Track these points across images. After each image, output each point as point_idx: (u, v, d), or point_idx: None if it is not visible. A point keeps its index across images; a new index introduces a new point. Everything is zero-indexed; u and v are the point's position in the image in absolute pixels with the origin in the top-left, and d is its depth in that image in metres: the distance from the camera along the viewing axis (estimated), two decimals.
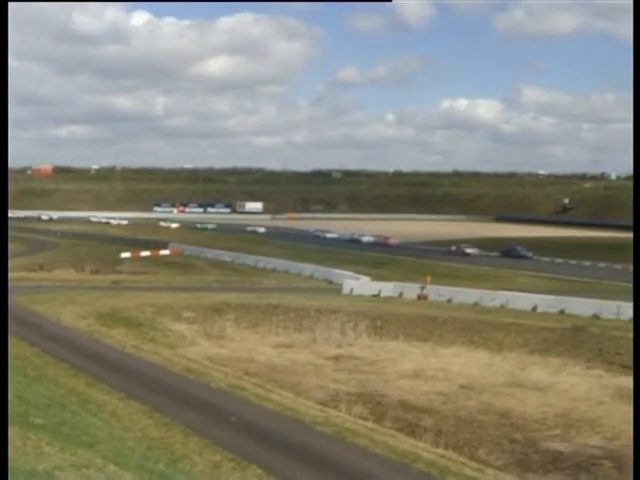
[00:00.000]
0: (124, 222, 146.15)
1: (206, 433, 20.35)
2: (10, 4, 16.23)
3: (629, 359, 32.35)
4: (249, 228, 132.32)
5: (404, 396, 26.19)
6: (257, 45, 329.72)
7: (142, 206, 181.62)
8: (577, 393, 27.19)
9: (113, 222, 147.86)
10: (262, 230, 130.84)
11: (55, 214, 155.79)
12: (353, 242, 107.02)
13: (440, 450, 20.09)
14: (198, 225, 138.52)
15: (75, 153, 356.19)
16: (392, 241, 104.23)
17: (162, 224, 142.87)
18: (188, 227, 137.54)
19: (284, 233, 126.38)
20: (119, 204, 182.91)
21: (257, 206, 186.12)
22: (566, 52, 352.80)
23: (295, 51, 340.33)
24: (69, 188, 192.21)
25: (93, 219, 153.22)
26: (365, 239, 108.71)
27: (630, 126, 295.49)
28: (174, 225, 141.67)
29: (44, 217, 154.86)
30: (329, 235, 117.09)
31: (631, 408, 25.02)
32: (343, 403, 24.61)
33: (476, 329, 39.60)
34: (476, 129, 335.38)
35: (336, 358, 32.38)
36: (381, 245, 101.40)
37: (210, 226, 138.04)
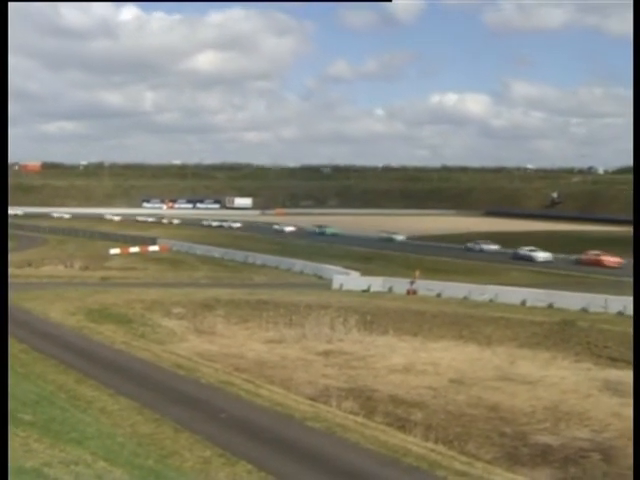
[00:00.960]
0: (150, 219, 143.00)
1: (196, 429, 20.35)
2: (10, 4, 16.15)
3: (617, 352, 32.60)
4: (276, 227, 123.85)
5: (394, 391, 26.25)
6: (247, 40, 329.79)
7: (131, 202, 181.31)
8: (566, 386, 27.30)
9: (139, 218, 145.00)
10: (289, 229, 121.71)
11: (65, 211, 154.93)
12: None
13: (430, 444, 20.13)
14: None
15: (63, 149, 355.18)
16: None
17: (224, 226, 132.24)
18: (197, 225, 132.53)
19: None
20: (108, 200, 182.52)
21: (246, 202, 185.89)
22: (555, 47, 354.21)
23: (285, 46, 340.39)
24: (57, 184, 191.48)
25: (108, 216, 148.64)
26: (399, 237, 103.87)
27: (618, 120, 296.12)
28: (236, 225, 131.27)
29: (55, 214, 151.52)
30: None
31: (619, 400, 25.26)
32: (333, 398, 24.62)
33: (465, 323, 39.70)
34: (465, 124, 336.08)
35: (326, 353, 32.41)
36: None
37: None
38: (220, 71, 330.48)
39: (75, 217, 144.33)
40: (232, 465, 17.72)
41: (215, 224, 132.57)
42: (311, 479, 17.40)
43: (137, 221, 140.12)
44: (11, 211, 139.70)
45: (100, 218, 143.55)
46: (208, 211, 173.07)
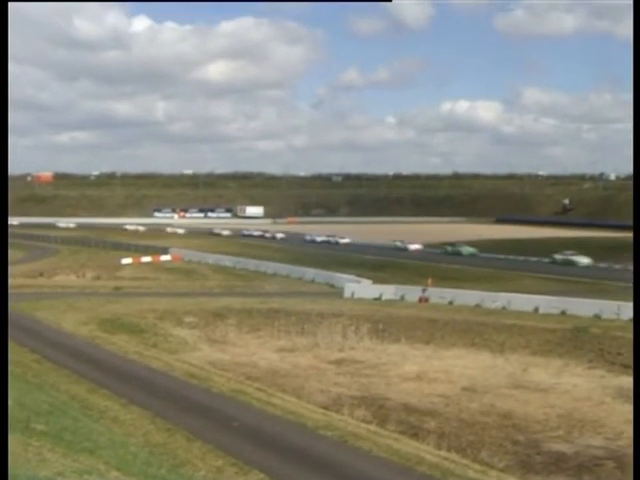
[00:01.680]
0: (180, 230, 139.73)
1: (208, 438, 20.36)
2: (10, 6, 16.18)
3: (630, 359, 32.40)
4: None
5: (407, 399, 26.21)
6: (258, 49, 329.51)
7: (142, 212, 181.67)
8: (579, 394, 27.21)
9: (169, 230, 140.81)
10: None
11: (79, 221, 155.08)
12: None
13: (443, 452, 20.09)
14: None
15: (75, 159, 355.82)
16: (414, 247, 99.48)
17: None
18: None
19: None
20: (119, 210, 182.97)
21: (258, 211, 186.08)
22: (566, 52, 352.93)
23: (296, 55, 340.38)
24: (69, 194, 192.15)
25: (129, 227, 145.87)
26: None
27: (629, 126, 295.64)
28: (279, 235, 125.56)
29: (61, 225, 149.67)
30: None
31: (632, 408, 25.10)
32: (346, 407, 24.61)
33: (478, 331, 39.59)
34: (476, 131, 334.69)
35: (338, 362, 32.40)
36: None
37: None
38: (231, 80, 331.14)
39: (93, 227, 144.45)
40: (245, 474, 17.72)
41: (256, 234, 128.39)
42: None
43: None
44: (15, 221, 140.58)
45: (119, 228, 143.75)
46: (219, 220, 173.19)
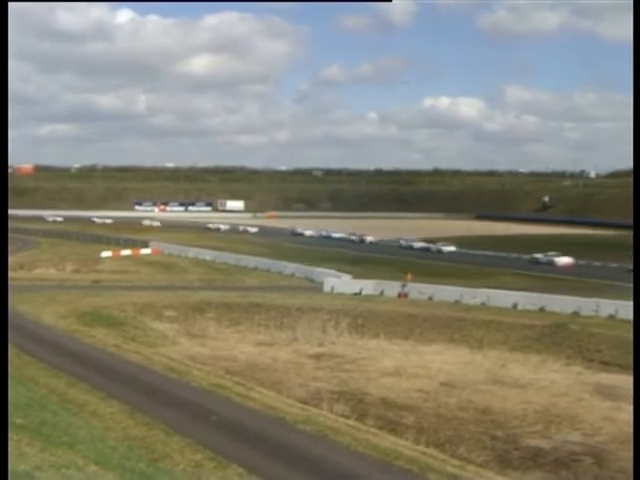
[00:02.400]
0: (156, 223, 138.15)
1: (187, 432, 20.33)
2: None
3: (609, 356, 32.67)
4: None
5: (385, 394, 26.26)
6: (241, 44, 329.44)
7: (123, 205, 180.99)
8: (557, 390, 27.34)
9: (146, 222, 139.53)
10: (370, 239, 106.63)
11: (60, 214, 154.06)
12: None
13: (421, 447, 20.16)
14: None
15: (56, 152, 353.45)
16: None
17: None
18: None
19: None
20: (100, 203, 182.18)
21: (238, 205, 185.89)
22: (549, 51, 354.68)
23: (280, 50, 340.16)
24: (50, 187, 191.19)
25: (147, 222, 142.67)
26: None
27: (611, 124, 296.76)
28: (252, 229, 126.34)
29: (50, 218, 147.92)
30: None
31: (611, 404, 25.35)
32: (325, 401, 24.64)
33: (457, 327, 39.73)
34: (459, 127, 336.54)
35: (317, 356, 32.42)
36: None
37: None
38: (214, 74, 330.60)
39: (68, 220, 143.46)
40: (223, 468, 17.71)
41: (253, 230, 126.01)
42: None
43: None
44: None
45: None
46: (200, 214, 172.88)
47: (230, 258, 76.73)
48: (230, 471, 17.57)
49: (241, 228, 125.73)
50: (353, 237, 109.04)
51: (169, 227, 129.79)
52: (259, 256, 76.81)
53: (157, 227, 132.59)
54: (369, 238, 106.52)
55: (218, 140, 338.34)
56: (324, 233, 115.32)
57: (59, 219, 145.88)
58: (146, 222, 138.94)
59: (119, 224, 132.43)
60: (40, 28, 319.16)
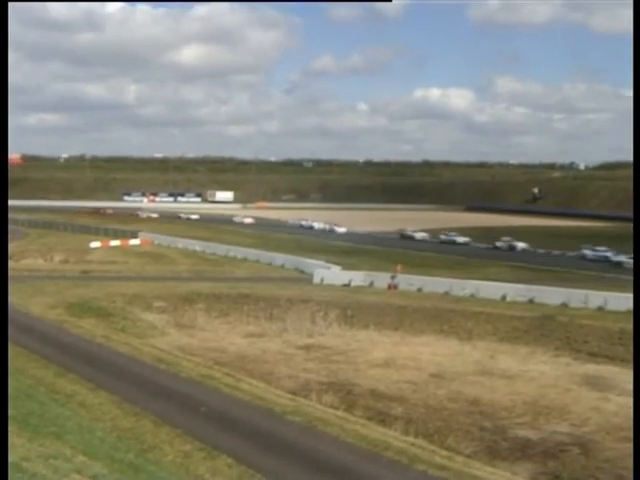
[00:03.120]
0: (155, 215, 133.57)
1: (176, 423, 20.34)
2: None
3: (596, 347, 32.80)
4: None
5: (375, 385, 26.30)
6: (232, 34, 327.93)
7: (111, 195, 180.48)
8: (545, 381, 27.44)
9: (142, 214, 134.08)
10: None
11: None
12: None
13: (410, 438, 20.20)
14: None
15: (44, 141, 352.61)
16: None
17: None
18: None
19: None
20: (88, 193, 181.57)
21: (227, 195, 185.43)
22: (540, 43, 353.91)
23: (271, 40, 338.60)
24: (38, 177, 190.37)
25: (144, 214, 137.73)
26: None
27: (600, 116, 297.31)
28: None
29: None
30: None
31: (598, 395, 25.48)
32: (314, 392, 24.66)
33: (446, 318, 39.79)
34: (449, 119, 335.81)
35: (307, 347, 32.43)
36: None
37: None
38: (204, 64, 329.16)
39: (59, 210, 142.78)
40: (212, 459, 17.72)
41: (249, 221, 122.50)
42: (291, 473, 17.41)
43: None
44: None
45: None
46: (189, 204, 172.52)
47: (219, 249, 76.62)
48: (219, 462, 17.58)
49: (237, 219, 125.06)
50: (327, 227, 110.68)
51: (166, 218, 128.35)
52: (248, 247, 76.75)
53: (155, 218, 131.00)
54: (340, 229, 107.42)
55: (207, 130, 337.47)
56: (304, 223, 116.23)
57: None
58: (143, 214, 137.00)
59: (117, 215, 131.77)
60: (29, 17, 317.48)
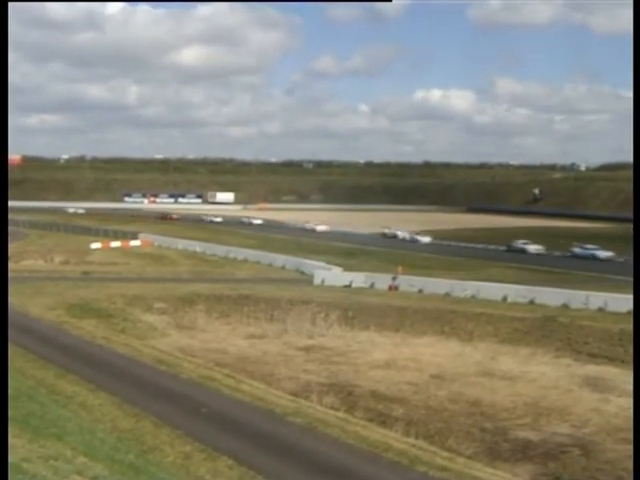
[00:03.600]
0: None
1: (177, 424, 20.32)
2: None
3: (597, 348, 32.78)
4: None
5: (375, 386, 26.28)
6: (233, 35, 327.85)
7: (112, 196, 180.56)
8: (546, 382, 27.41)
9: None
10: None
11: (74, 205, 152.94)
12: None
13: (411, 439, 20.18)
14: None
15: (44, 142, 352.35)
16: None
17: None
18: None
19: None
20: (89, 194, 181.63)
21: (228, 197, 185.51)
22: (541, 43, 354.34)
23: (272, 41, 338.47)
24: (38, 178, 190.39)
25: (71, 210, 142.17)
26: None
27: (601, 117, 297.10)
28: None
29: (70, 210, 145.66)
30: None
31: (599, 396, 25.46)
32: (314, 394, 24.63)
33: (447, 319, 39.77)
34: (449, 120, 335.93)
35: (307, 349, 32.41)
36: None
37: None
38: (206, 65, 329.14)
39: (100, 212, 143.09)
40: (213, 460, 17.71)
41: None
42: (292, 474, 17.40)
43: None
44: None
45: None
46: (190, 206, 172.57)
47: (220, 250, 76.66)
48: (220, 463, 17.57)
49: (245, 220, 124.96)
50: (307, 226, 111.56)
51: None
52: (249, 248, 76.77)
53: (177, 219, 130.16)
54: (320, 227, 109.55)
55: (208, 131, 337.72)
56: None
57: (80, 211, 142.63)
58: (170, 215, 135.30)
59: (139, 215, 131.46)
60: (29, 17, 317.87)
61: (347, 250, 79.92)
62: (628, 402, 24.11)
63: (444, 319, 39.80)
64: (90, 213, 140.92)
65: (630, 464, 19.11)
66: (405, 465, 17.93)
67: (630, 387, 26.41)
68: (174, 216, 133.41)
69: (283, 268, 65.20)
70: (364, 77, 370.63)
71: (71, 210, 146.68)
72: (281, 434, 20.18)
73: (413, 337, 35.20)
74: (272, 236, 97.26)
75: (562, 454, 20.16)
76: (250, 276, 60.32)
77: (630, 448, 20.30)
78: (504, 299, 47.12)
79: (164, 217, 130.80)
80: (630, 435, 21.35)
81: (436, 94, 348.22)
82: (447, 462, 18.38)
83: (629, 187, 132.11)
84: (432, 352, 32.00)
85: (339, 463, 18.12)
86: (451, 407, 24.13)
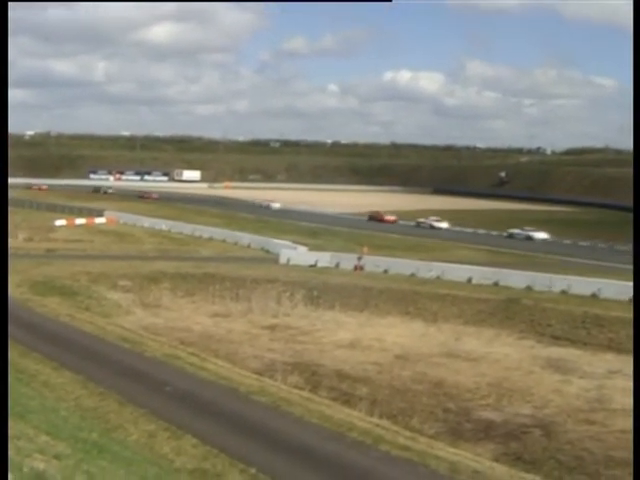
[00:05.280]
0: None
1: (141, 403, 20.27)
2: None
3: (560, 330, 33.14)
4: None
5: (340, 366, 26.39)
6: (204, 13, 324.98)
7: (77, 173, 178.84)
8: (509, 363, 27.69)
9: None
10: None
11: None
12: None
13: (375, 419, 20.32)
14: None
15: (10, 118, 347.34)
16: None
17: None
18: None
19: None
20: (54, 171, 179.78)
21: (194, 175, 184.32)
22: (512, 28, 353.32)
23: (243, 20, 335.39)
24: None
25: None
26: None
27: (570, 101, 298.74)
28: None
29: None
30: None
31: (561, 377, 25.77)
32: (279, 372, 24.72)
33: (412, 300, 39.93)
34: (418, 101, 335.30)
35: (272, 328, 32.46)
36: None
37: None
38: (175, 43, 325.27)
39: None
40: (177, 439, 17.70)
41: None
42: (255, 453, 17.42)
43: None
44: None
45: None
46: (156, 184, 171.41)
47: (186, 228, 76.31)
48: (184, 441, 17.57)
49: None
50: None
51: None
52: (214, 226, 76.47)
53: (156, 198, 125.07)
54: (275, 205, 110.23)
55: (176, 109, 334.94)
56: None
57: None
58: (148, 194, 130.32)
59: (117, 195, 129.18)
60: None
61: (312, 230, 79.80)
62: (589, 384, 24.54)
63: (409, 300, 39.96)
64: (55, 189, 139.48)
65: (590, 444, 19.50)
66: (368, 444, 18.03)
67: (591, 369, 26.88)
68: (154, 195, 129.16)
69: (249, 247, 65.06)
70: (334, 58, 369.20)
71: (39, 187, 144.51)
72: (245, 413, 20.20)
73: (378, 317, 35.36)
74: (238, 215, 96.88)
75: (524, 434, 20.41)
76: (216, 254, 60.09)
77: (590, 429, 20.69)
78: (469, 280, 47.30)
79: (142, 196, 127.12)
80: (591, 416, 21.77)
81: (405, 75, 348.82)
82: (410, 442, 18.51)
83: (595, 172, 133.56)
84: (396, 332, 32.17)
85: (302, 442, 18.18)
86: (415, 387, 24.31)
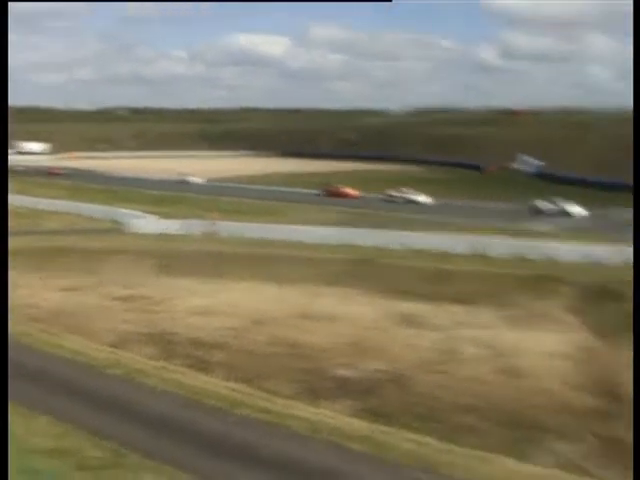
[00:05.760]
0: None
1: None
2: None
3: (410, 286, 33.85)
4: None
5: (195, 333, 26.20)
6: None
7: None
8: (364, 322, 28.09)
9: None
10: None
11: None
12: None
13: (231, 384, 20.34)
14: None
15: None
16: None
17: None
18: None
19: None
20: None
21: (38, 147, 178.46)
22: None
23: None
24: None
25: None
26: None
27: (412, 64, 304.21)
28: None
29: None
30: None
31: (413, 332, 26.44)
32: (133, 344, 24.38)
33: (265, 264, 39.92)
34: (266, 65, 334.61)
35: (124, 299, 31.87)
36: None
37: None
38: (13, 9, 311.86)
39: None
40: (32, 419, 17.24)
41: None
42: (112, 427, 17.14)
43: None
44: None
45: None
46: None
47: (28, 201, 73.42)
48: (39, 422, 17.17)
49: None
50: None
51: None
52: (60, 199, 74.23)
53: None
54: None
55: (14, 78, 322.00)
56: None
57: None
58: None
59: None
60: None
61: (159, 197, 78.58)
62: (438, 335, 25.32)
63: (262, 264, 39.91)
64: None
65: (440, 392, 20.14)
66: (226, 409, 18.05)
67: (440, 321, 27.70)
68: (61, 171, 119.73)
69: (95, 218, 63.43)
70: (180, 23, 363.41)
71: None
72: (100, 387, 19.88)
73: (232, 282, 35.19)
74: (83, 186, 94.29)
75: (379, 389, 20.82)
76: (61, 227, 58.40)
77: (440, 379, 21.36)
78: (322, 242, 47.50)
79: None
80: (440, 367, 22.46)
81: (253, 39, 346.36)
82: (268, 404, 18.64)
83: (440, 131, 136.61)
84: (251, 297, 32.13)
85: (157, 411, 18.03)
86: (271, 350, 24.39)
